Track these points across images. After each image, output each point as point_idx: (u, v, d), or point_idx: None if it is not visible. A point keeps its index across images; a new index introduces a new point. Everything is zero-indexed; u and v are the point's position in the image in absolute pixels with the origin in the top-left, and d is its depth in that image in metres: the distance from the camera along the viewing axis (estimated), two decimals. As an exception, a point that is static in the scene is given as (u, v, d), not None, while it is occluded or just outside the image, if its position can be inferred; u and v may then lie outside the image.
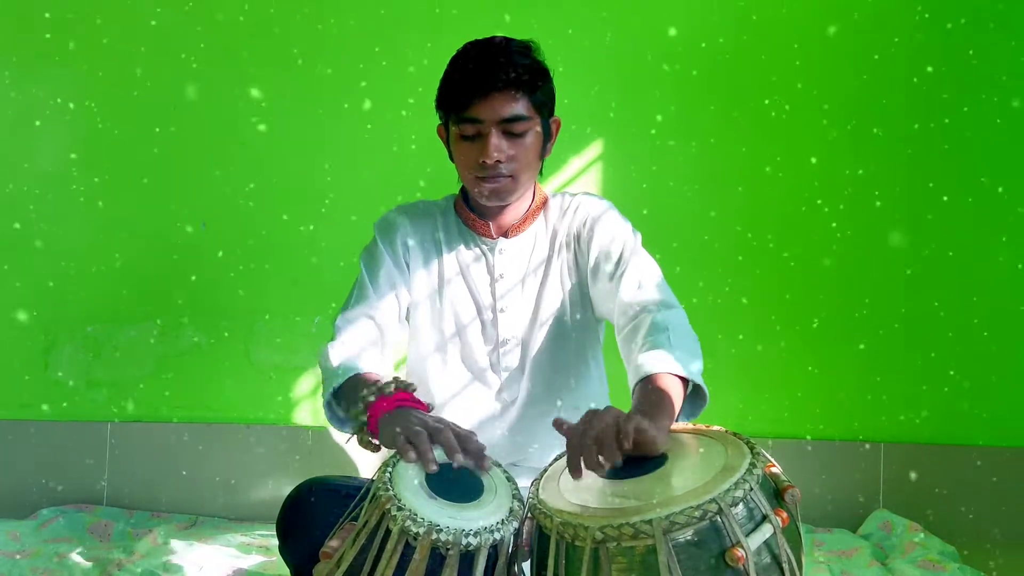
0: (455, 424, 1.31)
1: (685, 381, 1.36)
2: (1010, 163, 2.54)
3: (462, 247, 1.67)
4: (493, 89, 1.50)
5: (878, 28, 2.56)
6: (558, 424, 1.25)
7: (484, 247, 1.66)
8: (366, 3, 2.60)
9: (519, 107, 1.52)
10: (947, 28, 2.55)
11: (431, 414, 1.35)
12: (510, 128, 1.51)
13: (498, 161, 1.51)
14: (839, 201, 2.55)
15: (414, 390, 1.40)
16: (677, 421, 1.32)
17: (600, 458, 1.16)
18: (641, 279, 1.54)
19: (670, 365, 1.34)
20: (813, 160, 2.57)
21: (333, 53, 2.59)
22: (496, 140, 1.51)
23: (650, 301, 1.50)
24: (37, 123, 2.58)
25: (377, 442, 1.36)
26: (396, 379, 1.40)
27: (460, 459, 1.25)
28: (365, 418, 1.36)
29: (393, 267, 1.63)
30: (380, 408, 1.34)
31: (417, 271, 1.66)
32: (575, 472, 1.19)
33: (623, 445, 1.16)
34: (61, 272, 2.57)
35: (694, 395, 1.40)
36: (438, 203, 1.72)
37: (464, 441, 1.28)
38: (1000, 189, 2.53)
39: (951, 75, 2.54)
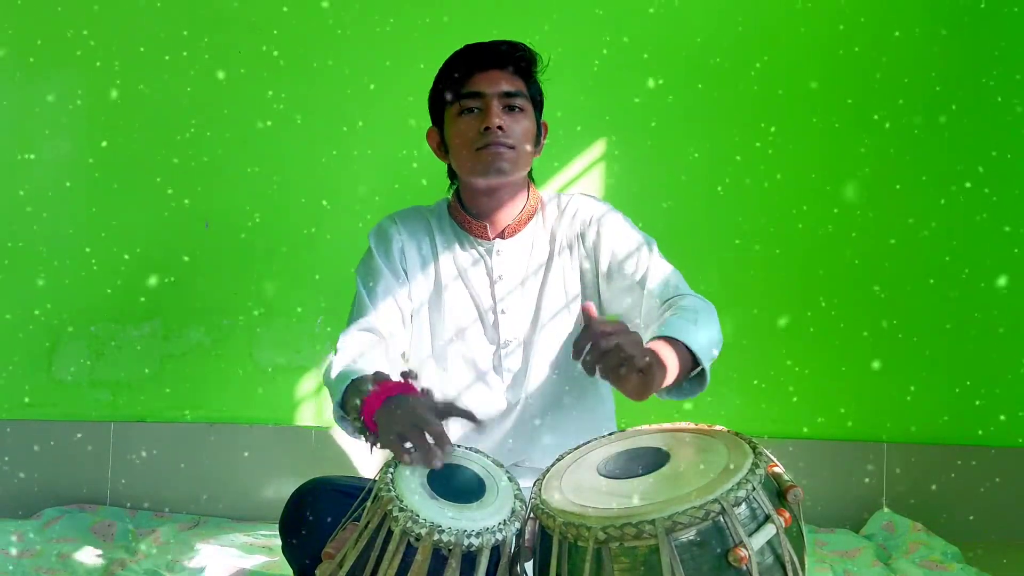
0: (443, 402, 1.38)
1: (694, 362, 1.36)
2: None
3: (459, 250, 1.67)
4: (494, 64, 1.59)
5: (889, 25, 2.56)
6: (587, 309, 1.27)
7: (481, 249, 1.66)
8: (369, 6, 2.60)
9: (518, 86, 1.60)
10: (963, 21, 2.55)
11: (419, 396, 1.36)
12: (509, 102, 1.58)
13: (500, 128, 1.55)
14: (845, 201, 2.55)
15: (408, 374, 1.39)
16: (675, 415, 1.33)
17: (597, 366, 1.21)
18: (667, 278, 1.57)
19: (686, 337, 1.35)
20: (820, 160, 2.56)
21: (336, 54, 2.59)
22: (497, 109, 1.57)
23: (682, 293, 1.53)
24: (41, 123, 2.58)
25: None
26: (376, 373, 1.39)
27: (448, 449, 1.27)
28: (361, 424, 1.36)
29: (391, 276, 1.63)
30: (371, 409, 1.34)
31: (416, 276, 1.66)
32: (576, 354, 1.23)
33: (620, 374, 1.21)
34: (64, 272, 2.57)
35: (698, 378, 1.40)
36: (431, 208, 1.73)
37: (458, 414, 1.36)
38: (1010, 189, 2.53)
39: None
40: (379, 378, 1.37)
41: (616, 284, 1.61)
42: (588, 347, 1.21)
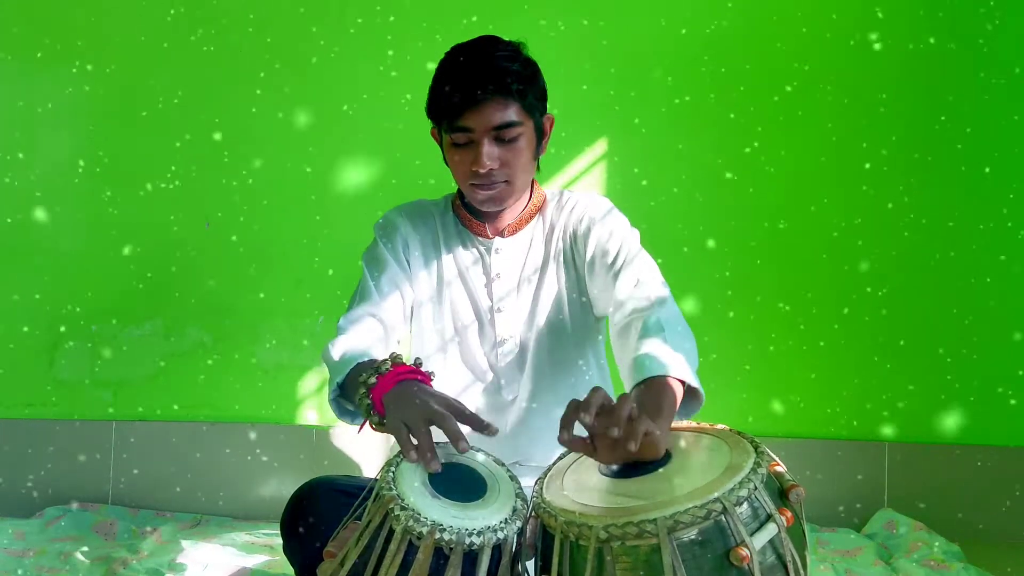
0: (457, 402, 1.30)
1: (682, 381, 1.33)
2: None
3: (460, 248, 1.67)
4: (483, 99, 1.48)
5: (884, 25, 2.55)
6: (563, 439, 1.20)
7: (481, 247, 1.66)
8: (366, 6, 2.59)
9: (510, 113, 1.50)
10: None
11: (432, 385, 1.35)
12: (502, 135, 1.51)
13: (491, 169, 1.52)
14: (847, 200, 2.54)
15: (419, 363, 1.39)
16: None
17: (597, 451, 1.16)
18: (639, 276, 1.53)
19: (667, 368, 1.30)
20: (821, 159, 2.56)
21: (333, 53, 2.59)
22: (488, 148, 1.51)
23: (645, 298, 1.48)
24: (43, 121, 2.59)
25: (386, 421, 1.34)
26: (393, 354, 1.39)
27: (464, 445, 1.25)
28: (369, 401, 1.34)
29: (396, 266, 1.63)
30: (382, 388, 1.33)
31: (418, 271, 1.66)
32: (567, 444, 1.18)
33: (629, 450, 1.13)
34: (66, 271, 2.57)
35: (691, 395, 1.37)
36: (436, 203, 1.72)
37: (470, 421, 1.29)
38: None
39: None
40: (396, 360, 1.37)
41: (597, 278, 1.59)
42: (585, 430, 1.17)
